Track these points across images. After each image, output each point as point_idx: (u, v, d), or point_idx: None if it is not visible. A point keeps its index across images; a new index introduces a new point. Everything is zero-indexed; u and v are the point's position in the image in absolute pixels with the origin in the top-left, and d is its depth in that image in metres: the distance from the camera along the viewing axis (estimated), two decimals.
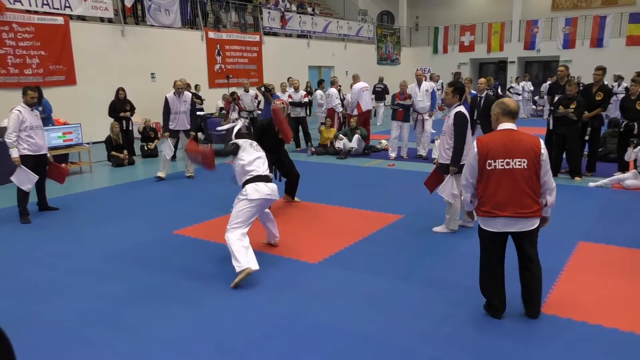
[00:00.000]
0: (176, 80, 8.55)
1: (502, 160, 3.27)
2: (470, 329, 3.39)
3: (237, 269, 4.05)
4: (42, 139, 6.29)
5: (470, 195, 3.51)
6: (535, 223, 3.34)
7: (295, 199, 6.86)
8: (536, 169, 3.30)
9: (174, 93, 8.36)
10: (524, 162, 3.26)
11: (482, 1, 26.95)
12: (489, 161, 3.29)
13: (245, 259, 4.07)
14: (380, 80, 17.04)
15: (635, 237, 5.16)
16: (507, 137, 3.34)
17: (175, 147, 8.63)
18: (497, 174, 3.28)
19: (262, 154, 4.69)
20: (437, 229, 5.50)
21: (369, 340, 3.25)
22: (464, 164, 5.24)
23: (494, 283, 3.46)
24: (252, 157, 4.53)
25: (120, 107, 10.27)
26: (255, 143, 4.75)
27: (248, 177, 4.43)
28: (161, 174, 8.39)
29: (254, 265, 4.09)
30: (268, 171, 4.59)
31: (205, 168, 4.72)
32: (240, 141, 4.66)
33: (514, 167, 3.26)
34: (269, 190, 4.41)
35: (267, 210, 4.73)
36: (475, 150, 3.34)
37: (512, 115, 3.41)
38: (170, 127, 8.37)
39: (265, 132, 6.41)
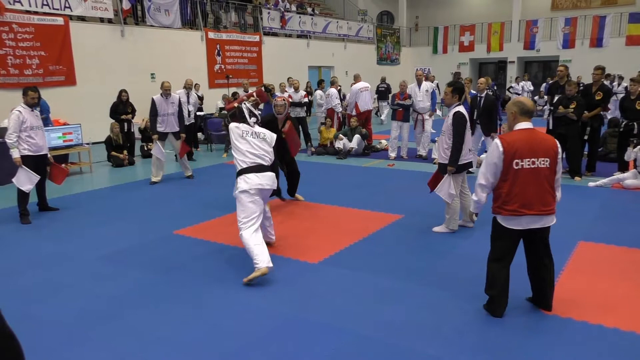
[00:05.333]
0: (164, 81, 8.41)
1: (529, 159, 3.31)
2: (471, 329, 3.39)
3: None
4: (43, 139, 6.30)
5: (487, 195, 3.50)
6: (554, 219, 3.46)
7: (297, 195, 6.90)
8: (555, 167, 3.40)
9: (161, 95, 8.20)
10: (547, 161, 3.34)
11: (482, 1, 26.94)
12: (516, 160, 3.31)
13: (260, 257, 4.10)
14: (383, 80, 17.92)
15: (636, 236, 5.17)
16: (530, 136, 3.37)
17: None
18: (524, 173, 3.32)
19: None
20: (437, 228, 5.50)
21: (369, 340, 3.25)
22: (463, 164, 5.28)
23: (503, 281, 3.51)
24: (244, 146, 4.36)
25: (122, 109, 10.27)
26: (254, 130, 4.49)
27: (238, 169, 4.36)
28: (155, 179, 8.21)
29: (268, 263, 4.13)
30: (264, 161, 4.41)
31: None
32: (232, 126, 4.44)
33: (539, 166, 3.33)
34: (259, 180, 4.28)
35: (266, 207, 4.64)
36: (501, 149, 3.32)
37: (529, 114, 3.45)
38: (159, 129, 8.20)
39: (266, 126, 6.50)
